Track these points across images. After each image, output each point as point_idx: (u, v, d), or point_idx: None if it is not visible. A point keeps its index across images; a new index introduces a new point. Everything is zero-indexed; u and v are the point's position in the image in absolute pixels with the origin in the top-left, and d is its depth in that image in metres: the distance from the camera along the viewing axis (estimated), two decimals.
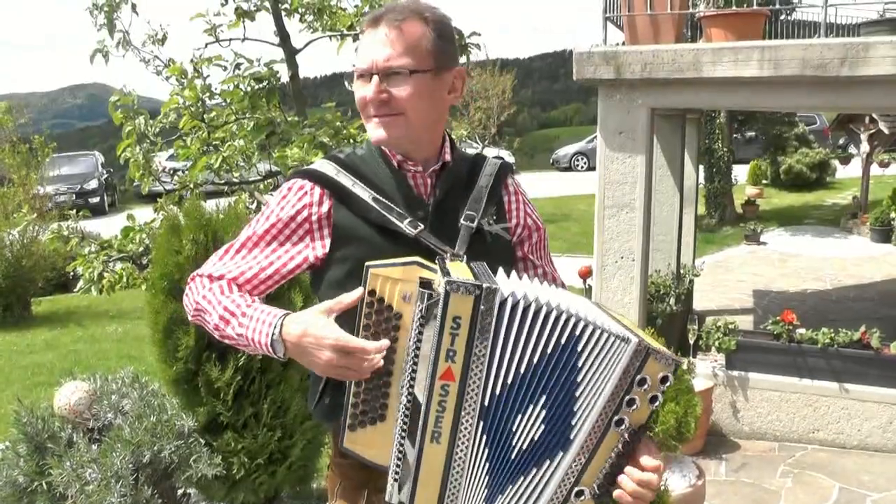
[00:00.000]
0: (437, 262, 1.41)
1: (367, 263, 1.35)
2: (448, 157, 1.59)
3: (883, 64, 4.03)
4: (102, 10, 4.56)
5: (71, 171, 18.74)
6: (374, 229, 1.50)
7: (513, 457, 1.32)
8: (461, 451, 1.30)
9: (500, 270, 1.37)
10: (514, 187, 1.67)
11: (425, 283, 1.28)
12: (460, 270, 1.34)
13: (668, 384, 1.28)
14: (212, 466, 2.85)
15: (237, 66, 4.26)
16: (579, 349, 1.29)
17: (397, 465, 1.32)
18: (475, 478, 1.32)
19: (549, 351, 1.29)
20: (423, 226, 1.50)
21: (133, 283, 4.33)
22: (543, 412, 1.30)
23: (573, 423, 1.30)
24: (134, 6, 4.63)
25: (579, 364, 1.29)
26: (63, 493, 2.72)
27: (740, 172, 16.00)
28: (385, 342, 1.32)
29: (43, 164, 13.05)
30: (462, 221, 1.53)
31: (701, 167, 9.72)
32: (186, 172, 4.62)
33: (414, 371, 1.29)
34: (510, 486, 1.33)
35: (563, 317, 1.29)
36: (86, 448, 2.79)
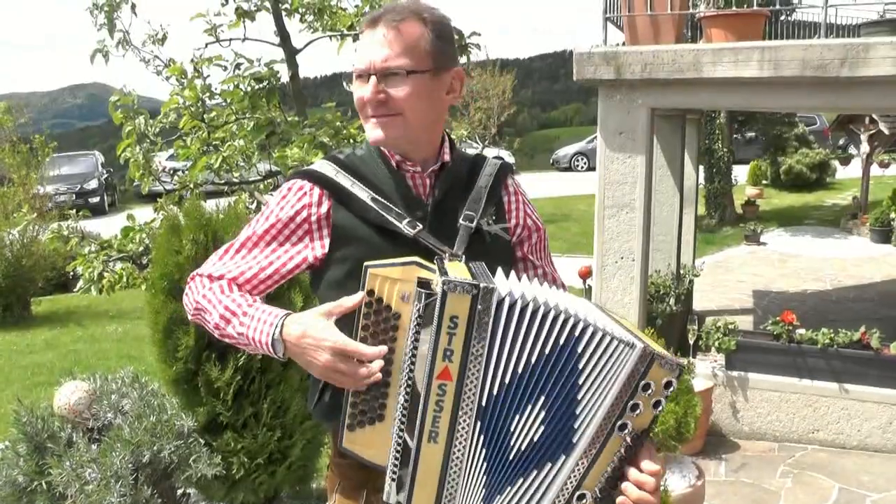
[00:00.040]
0: (435, 262, 1.41)
1: (365, 264, 1.35)
2: (447, 157, 1.59)
3: (883, 65, 4.03)
4: (102, 10, 4.56)
5: (71, 171, 18.75)
6: (372, 229, 1.50)
7: (511, 457, 1.32)
8: (458, 451, 1.30)
9: (500, 270, 1.37)
10: (513, 188, 1.67)
11: (423, 283, 1.28)
12: (458, 270, 1.35)
13: (671, 389, 1.28)
14: (211, 466, 2.85)
15: (237, 66, 4.26)
16: (579, 351, 1.29)
17: (394, 465, 1.32)
18: (473, 478, 1.32)
19: (547, 351, 1.29)
20: (421, 226, 1.50)
21: (133, 282, 4.33)
22: (543, 413, 1.30)
23: (575, 426, 1.30)
24: (133, 6, 4.63)
25: (580, 366, 1.29)
26: (63, 492, 2.72)
27: (740, 173, 16.00)
28: (383, 348, 1.32)
29: (43, 163, 13.07)
30: (461, 221, 1.54)
31: (701, 167, 9.72)
32: (186, 172, 4.62)
33: (411, 371, 1.29)
34: (509, 488, 1.33)
35: (562, 317, 1.29)
36: (85, 448, 2.79)
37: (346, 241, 1.52)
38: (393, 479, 1.33)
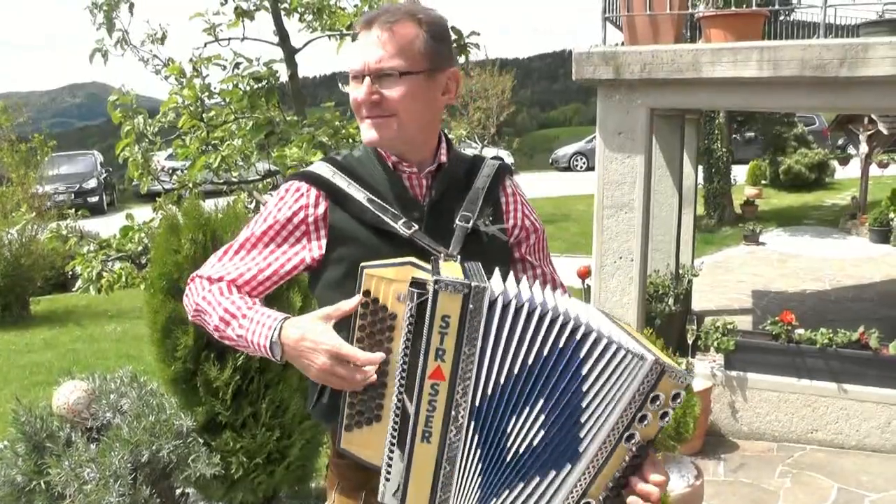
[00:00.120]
0: (431, 262, 1.41)
1: (361, 264, 1.36)
2: (444, 157, 1.60)
3: (882, 65, 4.04)
4: (101, 10, 4.56)
5: (70, 171, 18.77)
6: (369, 230, 1.51)
7: (508, 459, 1.31)
8: (452, 451, 1.30)
9: (496, 271, 1.37)
10: (512, 188, 1.67)
11: (415, 283, 1.28)
12: (452, 270, 1.35)
13: (679, 401, 1.28)
14: (210, 466, 2.85)
15: (236, 65, 4.25)
16: (581, 356, 1.28)
17: (388, 465, 1.33)
18: (468, 479, 1.32)
19: (545, 353, 1.29)
20: (417, 226, 1.51)
21: (132, 282, 4.33)
22: (542, 417, 1.29)
23: (581, 435, 1.29)
24: (131, 6, 4.62)
25: (583, 372, 1.28)
26: (61, 492, 2.71)
27: (739, 173, 16.01)
28: (379, 355, 1.33)
29: (42, 163, 13.05)
30: (457, 222, 1.54)
31: (700, 167, 9.73)
32: (185, 172, 4.62)
33: (404, 371, 1.30)
34: (507, 492, 1.32)
35: (560, 321, 1.29)
36: (84, 447, 2.79)
37: (342, 242, 1.52)
38: (387, 479, 1.33)
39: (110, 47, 4.64)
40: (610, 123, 4.64)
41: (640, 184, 4.60)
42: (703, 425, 4.82)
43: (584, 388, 1.28)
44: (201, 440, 2.98)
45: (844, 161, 18.43)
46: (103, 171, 20.43)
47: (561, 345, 1.29)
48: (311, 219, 1.54)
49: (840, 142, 19.90)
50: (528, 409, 1.30)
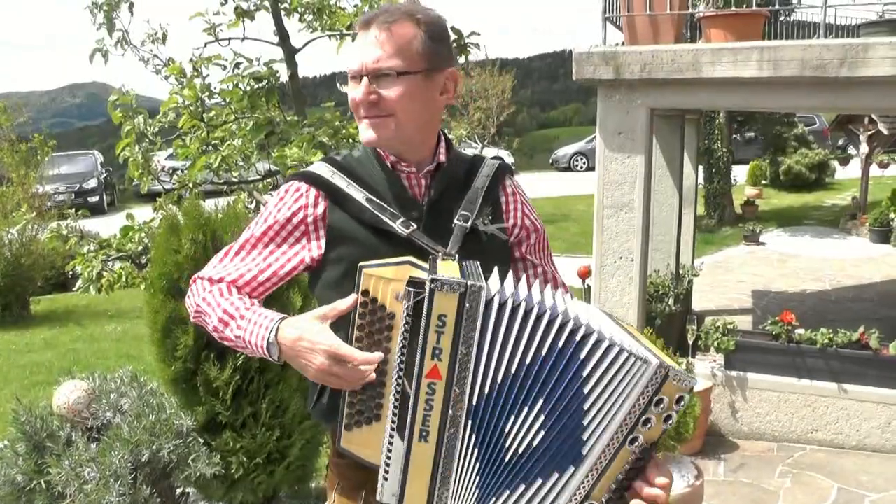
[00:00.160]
0: (429, 261, 1.41)
1: (360, 264, 1.36)
2: (443, 157, 1.60)
3: (882, 65, 4.03)
4: (101, 10, 4.56)
5: (70, 171, 18.76)
6: (368, 230, 1.51)
7: (507, 459, 1.31)
8: (449, 450, 1.30)
9: (495, 271, 1.37)
10: (512, 188, 1.67)
11: (413, 282, 1.28)
12: (450, 269, 1.35)
13: (683, 404, 1.27)
14: (210, 466, 2.86)
15: (236, 65, 4.25)
16: (581, 357, 1.27)
17: (387, 464, 1.33)
18: (466, 478, 1.32)
19: (543, 353, 1.28)
20: (415, 226, 1.51)
21: (132, 282, 4.33)
22: (542, 417, 1.29)
23: (584, 437, 1.28)
24: (131, 6, 4.62)
25: (583, 374, 1.27)
26: (62, 492, 2.72)
27: (739, 173, 16.01)
28: (377, 355, 1.33)
29: (42, 163, 13.05)
30: (455, 221, 1.54)
31: (700, 167, 9.73)
32: (185, 172, 4.62)
33: (401, 370, 1.30)
34: (508, 492, 1.32)
35: (559, 321, 1.28)
36: (84, 447, 2.79)
37: (341, 242, 1.53)
38: (385, 478, 1.33)
39: (110, 47, 4.64)
40: (610, 123, 4.64)
41: (641, 184, 4.60)
42: (703, 425, 4.82)
43: (586, 391, 1.28)
44: (201, 440, 2.98)
45: (845, 161, 18.42)
46: (103, 170, 20.44)
47: (560, 345, 1.28)
48: (310, 219, 1.55)
49: (840, 142, 19.89)
50: (526, 409, 1.30)
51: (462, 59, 4.38)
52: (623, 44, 4.90)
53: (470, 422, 1.30)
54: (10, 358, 7.36)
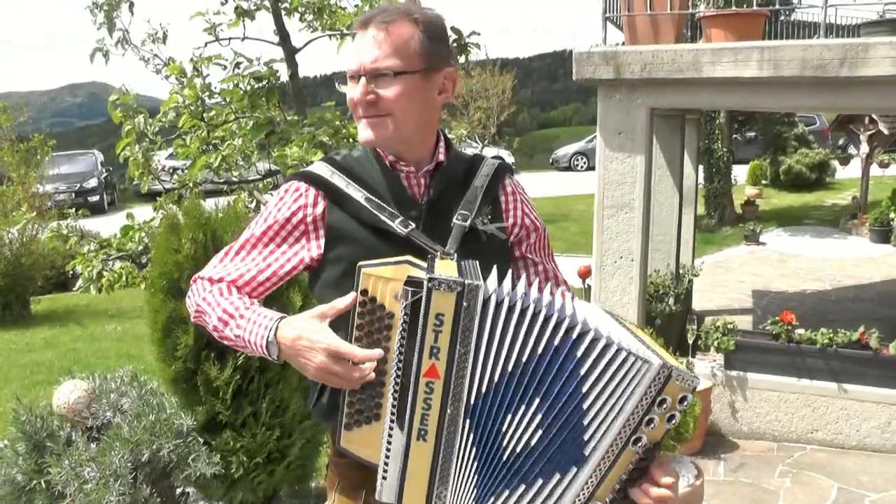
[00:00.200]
0: (427, 260, 1.41)
1: (359, 264, 1.36)
2: (442, 157, 1.60)
3: (882, 65, 4.03)
4: (102, 9, 4.56)
5: (70, 170, 18.75)
6: (367, 229, 1.52)
7: (504, 458, 1.31)
8: (448, 449, 1.31)
9: (494, 270, 1.37)
10: (511, 187, 1.67)
11: (410, 282, 1.28)
12: (448, 269, 1.35)
13: (686, 403, 1.27)
14: (210, 465, 2.86)
15: (237, 65, 4.25)
16: (578, 355, 1.27)
17: (385, 464, 1.33)
18: (464, 477, 1.32)
19: (539, 351, 1.28)
20: (414, 225, 1.51)
21: (132, 281, 4.33)
22: (539, 416, 1.29)
23: (585, 438, 1.28)
24: (131, 5, 4.62)
25: (580, 372, 1.27)
26: (62, 491, 2.72)
27: (740, 173, 16.01)
28: (375, 351, 1.33)
29: (42, 162, 13.05)
30: (454, 221, 1.54)
31: (700, 167, 9.72)
32: (186, 171, 4.62)
33: (399, 369, 1.30)
34: (507, 492, 1.32)
35: (554, 318, 1.28)
36: (84, 447, 2.79)
37: (340, 241, 1.53)
38: (384, 478, 1.33)
39: (111, 47, 4.64)
40: (610, 123, 4.64)
41: (641, 184, 4.60)
42: (703, 425, 4.82)
43: (584, 389, 1.27)
44: (201, 439, 2.98)
45: (845, 161, 18.42)
46: (104, 170, 20.43)
47: (556, 343, 1.28)
48: (309, 218, 1.55)
49: (840, 142, 19.89)
50: (523, 407, 1.29)
51: (462, 59, 4.38)
52: (623, 44, 4.90)
53: (468, 421, 1.30)
54: (11, 357, 7.36)
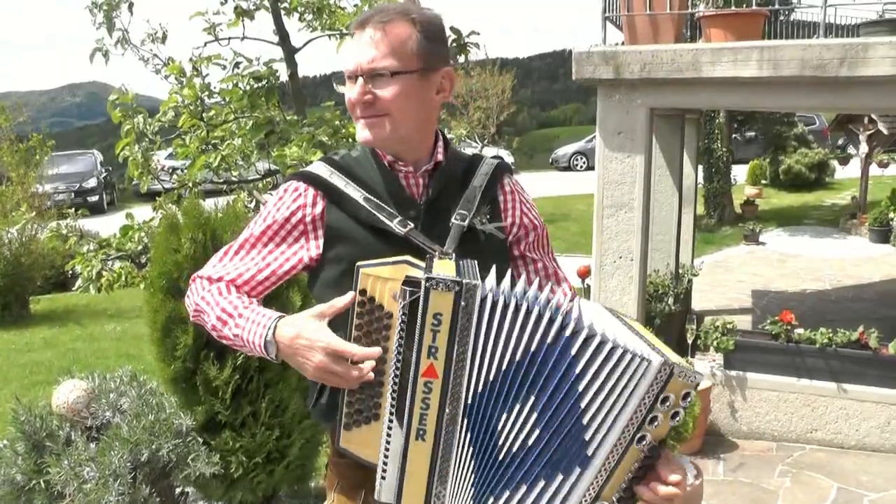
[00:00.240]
0: (426, 260, 1.41)
1: (358, 263, 1.36)
2: (441, 156, 1.60)
3: (882, 64, 4.03)
4: (101, 9, 4.56)
5: (70, 170, 18.77)
6: (365, 229, 1.52)
7: (501, 457, 1.31)
8: (446, 448, 1.31)
9: (493, 269, 1.37)
10: (510, 187, 1.67)
11: (408, 281, 1.28)
12: (446, 268, 1.35)
13: (689, 400, 1.26)
14: (210, 465, 2.86)
15: (236, 64, 4.25)
16: (573, 353, 1.26)
17: (384, 464, 1.33)
18: (462, 476, 1.32)
19: (532, 349, 1.28)
20: (412, 225, 1.51)
21: (132, 281, 4.33)
22: (535, 415, 1.28)
23: (587, 437, 1.27)
24: (131, 5, 4.62)
25: (576, 370, 1.26)
26: (61, 491, 2.72)
27: (739, 172, 16.01)
28: (376, 350, 1.33)
29: (42, 162, 13.04)
30: (453, 220, 1.54)
31: (700, 167, 9.73)
32: (185, 171, 4.62)
33: (398, 369, 1.30)
34: (507, 492, 1.31)
35: (547, 316, 1.28)
36: (84, 446, 2.79)
37: (339, 241, 1.53)
38: (383, 477, 1.33)
39: (110, 47, 4.65)
40: (610, 123, 4.64)
41: (640, 183, 4.60)
42: (703, 425, 4.82)
43: (580, 388, 1.26)
44: (201, 439, 2.98)
45: (844, 161, 18.43)
46: (103, 170, 20.44)
47: (549, 341, 1.27)
48: (308, 218, 1.55)
49: (840, 141, 19.90)
50: (518, 405, 1.29)
51: (462, 59, 4.38)
52: (623, 43, 4.90)
53: (465, 420, 1.30)
54: (10, 357, 7.35)
